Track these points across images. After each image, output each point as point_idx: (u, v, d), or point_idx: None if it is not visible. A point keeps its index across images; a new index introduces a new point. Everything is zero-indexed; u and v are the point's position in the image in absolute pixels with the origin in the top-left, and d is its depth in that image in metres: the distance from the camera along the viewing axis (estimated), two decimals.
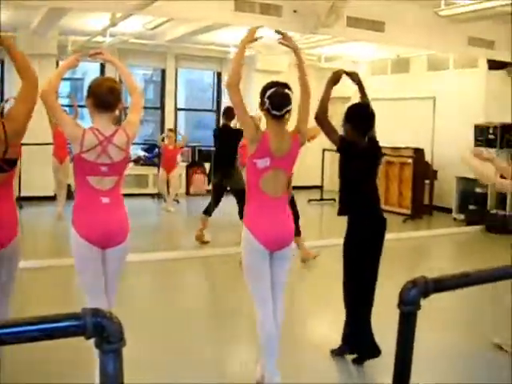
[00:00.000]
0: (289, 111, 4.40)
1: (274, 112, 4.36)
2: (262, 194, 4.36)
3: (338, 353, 5.48)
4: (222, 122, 10.82)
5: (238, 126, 9.15)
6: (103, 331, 1.61)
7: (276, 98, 4.36)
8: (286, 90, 4.42)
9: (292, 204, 8.49)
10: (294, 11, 10.02)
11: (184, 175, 16.19)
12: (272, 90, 4.40)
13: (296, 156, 4.51)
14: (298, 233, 8.10)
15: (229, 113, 10.04)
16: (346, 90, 17.18)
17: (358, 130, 5.35)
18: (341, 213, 5.41)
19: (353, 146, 5.29)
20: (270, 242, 4.32)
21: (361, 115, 5.56)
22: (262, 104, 4.44)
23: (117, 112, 4.29)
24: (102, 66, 15.92)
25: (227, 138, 9.94)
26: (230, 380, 5.07)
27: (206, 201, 10.38)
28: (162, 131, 16.37)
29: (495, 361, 5.65)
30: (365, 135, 5.35)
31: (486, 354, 5.78)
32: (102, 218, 4.16)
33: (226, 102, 17.41)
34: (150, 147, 17.27)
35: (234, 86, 4.47)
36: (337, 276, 5.46)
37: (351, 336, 5.38)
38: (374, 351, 5.22)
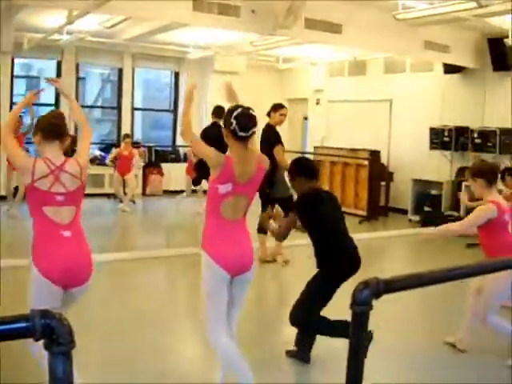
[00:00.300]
0: (254, 133, 4.29)
1: (241, 133, 4.18)
2: (221, 218, 4.20)
3: (293, 355, 5.51)
4: (211, 120, 10.62)
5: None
6: (52, 333, 1.58)
7: (243, 119, 4.20)
8: (252, 112, 4.29)
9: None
10: (253, 12, 10.01)
11: (140, 175, 16.06)
12: (239, 110, 4.24)
13: (259, 181, 4.36)
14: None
15: (218, 111, 10.05)
16: (304, 92, 17.24)
17: (311, 179, 5.48)
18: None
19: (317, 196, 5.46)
20: (231, 267, 4.17)
21: (308, 165, 5.72)
22: (227, 126, 4.26)
23: (66, 142, 4.17)
24: (59, 64, 15.77)
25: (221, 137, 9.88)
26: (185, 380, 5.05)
27: (163, 201, 10.31)
28: (119, 131, 16.28)
29: (448, 360, 5.72)
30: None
31: (439, 353, 5.84)
32: (64, 253, 3.96)
33: (183, 102, 17.38)
34: (106, 147, 17.12)
35: (188, 138, 4.43)
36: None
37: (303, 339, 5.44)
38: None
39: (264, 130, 9.16)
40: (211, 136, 4.37)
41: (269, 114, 9.24)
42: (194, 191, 13.84)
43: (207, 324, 4.29)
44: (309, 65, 16.96)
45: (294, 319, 5.33)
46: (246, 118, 4.23)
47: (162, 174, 16.40)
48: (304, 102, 17.71)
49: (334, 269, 5.29)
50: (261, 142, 9.42)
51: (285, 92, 18.09)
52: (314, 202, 5.40)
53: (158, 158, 16.90)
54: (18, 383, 4.68)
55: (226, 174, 4.15)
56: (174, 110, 17.89)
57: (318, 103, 17.30)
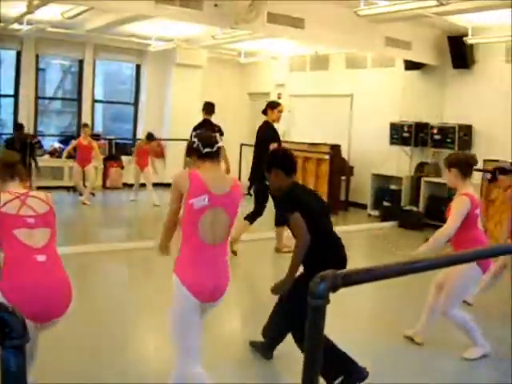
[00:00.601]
0: (220, 149, 4.16)
1: (207, 149, 4.05)
2: (198, 240, 3.90)
3: (255, 345, 5.52)
4: (203, 117, 10.76)
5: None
6: (5, 326, 1.55)
7: (206, 136, 4.20)
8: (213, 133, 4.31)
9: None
10: (215, 5, 9.99)
11: (101, 168, 15.91)
12: (199, 131, 4.29)
13: (239, 198, 4.12)
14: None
15: (209, 107, 10.10)
16: (265, 86, 17.25)
17: (289, 174, 5.03)
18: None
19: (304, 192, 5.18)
20: (204, 295, 3.91)
21: (288, 157, 5.20)
22: (190, 148, 4.15)
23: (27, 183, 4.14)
24: (18, 55, 15.55)
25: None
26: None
27: (123, 194, 10.26)
28: (79, 123, 16.10)
29: (407, 354, 5.79)
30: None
31: (398, 347, 5.91)
32: (38, 280, 3.69)
33: (144, 95, 17.30)
34: (65, 139, 16.94)
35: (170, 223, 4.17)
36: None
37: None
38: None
39: (261, 127, 9.33)
40: None
41: (265, 112, 9.43)
42: (142, 184, 14.09)
43: (176, 354, 3.99)
44: (271, 59, 16.97)
45: (288, 331, 5.15)
46: (208, 136, 4.21)
47: (122, 167, 16.28)
48: (265, 97, 17.68)
49: (323, 269, 4.81)
50: (257, 138, 9.53)
51: (246, 86, 18.10)
52: (303, 199, 4.94)
53: (118, 151, 16.77)
54: None
55: (197, 185, 3.90)
56: (136, 103, 17.76)
57: (279, 98, 17.30)
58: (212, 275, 3.93)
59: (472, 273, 5.47)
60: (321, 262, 4.64)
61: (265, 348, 5.46)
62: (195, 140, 4.11)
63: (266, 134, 9.35)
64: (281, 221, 8.44)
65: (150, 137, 14.27)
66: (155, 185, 14.11)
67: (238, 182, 4.20)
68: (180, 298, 3.89)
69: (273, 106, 9.61)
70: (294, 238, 4.71)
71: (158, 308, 6.37)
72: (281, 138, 9.57)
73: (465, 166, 5.67)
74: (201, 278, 3.89)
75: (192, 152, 4.14)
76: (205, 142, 4.09)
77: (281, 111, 9.46)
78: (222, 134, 10.33)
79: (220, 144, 4.16)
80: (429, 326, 5.99)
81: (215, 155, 4.11)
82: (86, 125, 14.29)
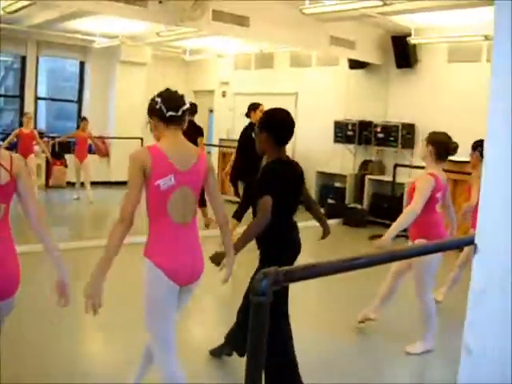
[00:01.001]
0: (186, 112, 3.76)
1: (170, 113, 3.66)
2: (169, 221, 3.61)
3: (215, 352, 5.43)
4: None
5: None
6: None
7: (170, 95, 3.75)
8: (178, 92, 3.80)
9: None
10: (160, 2, 9.92)
11: (44, 166, 15.66)
12: (164, 90, 3.78)
13: (204, 172, 3.78)
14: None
15: (192, 108, 10.04)
16: (210, 84, 17.19)
17: (279, 142, 4.61)
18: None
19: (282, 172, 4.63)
20: (181, 277, 3.64)
21: (285, 125, 4.68)
22: (151, 108, 3.74)
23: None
24: None
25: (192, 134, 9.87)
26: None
27: (67, 193, 10.12)
28: (21, 121, 15.84)
29: (350, 345, 5.85)
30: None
31: (345, 338, 5.97)
32: None
33: (88, 93, 17.10)
34: (7, 137, 16.61)
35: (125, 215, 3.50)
36: None
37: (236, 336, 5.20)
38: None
39: (246, 129, 9.40)
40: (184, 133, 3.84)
41: (248, 115, 9.53)
42: (82, 184, 13.92)
43: (155, 352, 3.75)
44: (216, 57, 16.94)
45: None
46: (174, 95, 3.76)
47: (65, 165, 16.05)
48: (210, 94, 17.71)
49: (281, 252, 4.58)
50: (243, 137, 9.57)
51: (191, 84, 18.03)
52: (279, 183, 4.49)
53: (61, 149, 16.52)
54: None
55: (162, 164, 3.56)
56: (79, 101, 17.56)
57: (224, 95, 17.32)
58: (188, 255, 3.67)
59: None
60: (279, 245, 4.58)
61: (224, 344, 5.37)
62: (158, 100, 3.70)
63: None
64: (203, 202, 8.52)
65: (83, 119, 14.37)
66: (100, 183, 13.96)
67: (203, 153, 3.87)
68: (157, 283, 3.60)
69: (255, 107, 9.65)
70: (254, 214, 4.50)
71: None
72: (226, 136, 9.63)
73: (443, 149, 5.61)
74: (178, 259, 3.62)
75: (153, 113, 3.73)
76: (169, 103, 3.68)
77: (262, 111, 9.49)
78: (202, 135, 10.46)
79: (186, 107, 3.74)
80: (377, 312, 6.11)
81: (180, 120, 3.73)
82: (26, 113, 14.00)
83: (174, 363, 3.71)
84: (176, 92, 3.79)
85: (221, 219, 3.95)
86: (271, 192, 4.33)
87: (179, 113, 3.68)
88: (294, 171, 4.77)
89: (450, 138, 5.65)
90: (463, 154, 7.42)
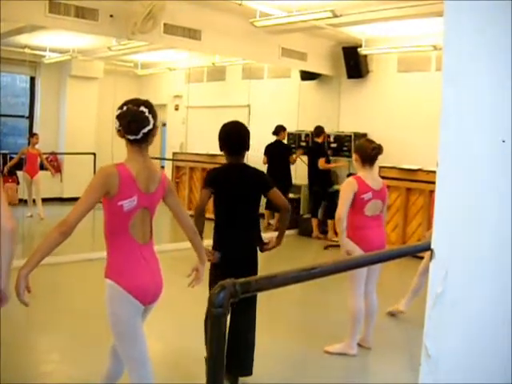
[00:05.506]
0: (150, 132, 3.64)
1: (129, 136, 3.59)
2: (131, 241, 3.58)
3: None
4: None
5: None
6: None
7: (133, 117, 3.60)
8: (142, 108, 3.64)
9: None
10: (111, 16, 9.87)
11: None
12: (124, 108, 3.64)
13: (162, 196, 3.82)
14: None
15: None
16: (162, 98, 17.14)
17: (230, 154, 5.28)
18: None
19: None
20: (147, 297, 3.66)
21: (233, 138, 5.30)
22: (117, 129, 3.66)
23: None
24: None
25: None
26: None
27: (19, 210, 9.98)
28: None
29: (325, 363, 5.86)
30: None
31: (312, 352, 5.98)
32: None
33: (39, 108, 16.93)
34: None
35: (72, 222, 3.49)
36: None
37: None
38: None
39: (276, 144, 10.03)
40: None
41: (277, 133, 10.42)
42: (34, 200, 13.76)
43: (133, 373, 3.69)
44: (168, 70, 16.92)
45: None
46: (133, 119, 3.59)
47: (17, 183, 15.82)
48: (163, 108, 17.64)
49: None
50: (277, 151, 10.00)
51: (144, 97, 17.67)
52: (216, 181, 5.15)
53: (12, 166, 16.27)
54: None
55: (128, 184, 3.53)
56: (30, 117, 17.35)
57: (176, 109, 17.28)
58: (150, 275, 3.67)
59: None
60: (223, 239, 5.17)
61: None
62: (116, 121, 3.60)
63: (285, 147, 12.92)
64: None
65: (33, 135, 14.26)
66: (52, 199, 13.79)
67: (164, 174, 3.85)
68: (122, 304, 3.57)
69: (284, 129, 12.99)
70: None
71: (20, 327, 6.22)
72: (179, 150, 9.61)
73: (364, 153, 5.89)
74: (142, 279, 3.61)
75: (120, 134, 3.66)
76: (128, 127, 3.58)
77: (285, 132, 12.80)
78: None
79: (149, 127, 3.60)
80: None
81: (143, 142, 3.64)
82: None
83: (146, 376, 3.68)
84: (138, 112, 3.61)
85: (189, 232, 4.05)
86: (210, 187, 5.04)
87: (139, 136, 3.60)
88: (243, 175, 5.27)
89: (371, 142, 5.95)
90: (414, 162, 7.54)
